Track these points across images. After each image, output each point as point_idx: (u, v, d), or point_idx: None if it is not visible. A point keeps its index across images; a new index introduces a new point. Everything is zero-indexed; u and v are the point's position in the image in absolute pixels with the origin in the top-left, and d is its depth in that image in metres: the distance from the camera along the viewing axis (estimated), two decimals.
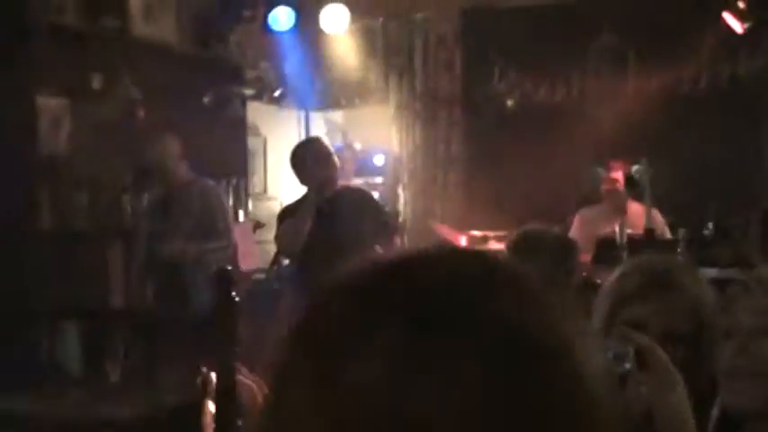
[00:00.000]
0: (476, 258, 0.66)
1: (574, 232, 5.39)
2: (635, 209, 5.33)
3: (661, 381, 1.38)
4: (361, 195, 4.96)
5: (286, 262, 5.62)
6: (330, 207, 4.61)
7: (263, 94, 6.78)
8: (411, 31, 7.21)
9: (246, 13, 6.40)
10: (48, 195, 4.93)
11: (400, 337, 0.58)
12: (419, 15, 7.19)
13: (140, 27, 5.52)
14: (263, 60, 6.70)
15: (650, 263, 1.83)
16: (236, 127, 6.48)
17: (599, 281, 4.40)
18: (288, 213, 4.83)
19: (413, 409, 0.56)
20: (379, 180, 7.15)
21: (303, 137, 7.14)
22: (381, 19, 7.24)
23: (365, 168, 7.12)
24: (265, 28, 6.51)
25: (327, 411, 0.58)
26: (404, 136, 7.25)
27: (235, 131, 6.46)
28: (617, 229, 4.38)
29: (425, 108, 7.19)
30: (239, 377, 3.87)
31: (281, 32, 6.58)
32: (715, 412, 1.60)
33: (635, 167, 5.21)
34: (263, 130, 6.97)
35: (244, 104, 6.57)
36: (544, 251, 2.78)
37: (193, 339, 4.17)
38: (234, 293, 3.66)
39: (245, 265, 5.96)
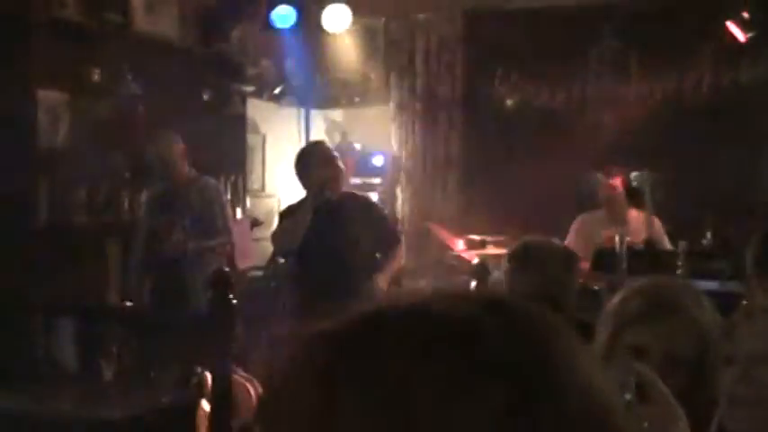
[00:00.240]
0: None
1: (572, 237, 5.38)
2: (634, 216, 5.33)
3: (663, 415, 1.37)
4: (365, 202, 4.95)
5: (282, 260, 5.62)
6: (329, 208, 4.60)
7: (264, 91, 6.76)
8: (413, 31, 7.20)
9: (248, 11, 6.38)
10: (46, 190, 4.91)
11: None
12: (421, 16, 7.17)
13: (142, 22, 5.50)
14: (264, 58, 6.69)
15: (653, 286, 1.82)
16: (235, 124, 6.45)
17: (597, 287, 4.42)
18: (288, 213, 4.84)
19: None
20: (377, 181, 7.13)
21: (302, 135, 7.13)
22: (383, 19, 7.23)
23: (364, 168, 7.09)
24: (267, 25, 6.50)
25: None
26: (403, 136, 7.24)
27: (234, 128, 6.43)
28: (617, 238, 4.36)
29: (425, 109, 7.18)
30: (234, 377, 3.86)
31: (283, 30, 6.56)
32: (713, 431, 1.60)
33: (634, 174, 5.19)
34: (263, 128, 6.95)
35: (244, 101, 6.55)
36: (545, 263, 2.76)
37: (189, 339, 4.16)
38: (231, 296, 3.66)
39: (243, 262, 5.96)
